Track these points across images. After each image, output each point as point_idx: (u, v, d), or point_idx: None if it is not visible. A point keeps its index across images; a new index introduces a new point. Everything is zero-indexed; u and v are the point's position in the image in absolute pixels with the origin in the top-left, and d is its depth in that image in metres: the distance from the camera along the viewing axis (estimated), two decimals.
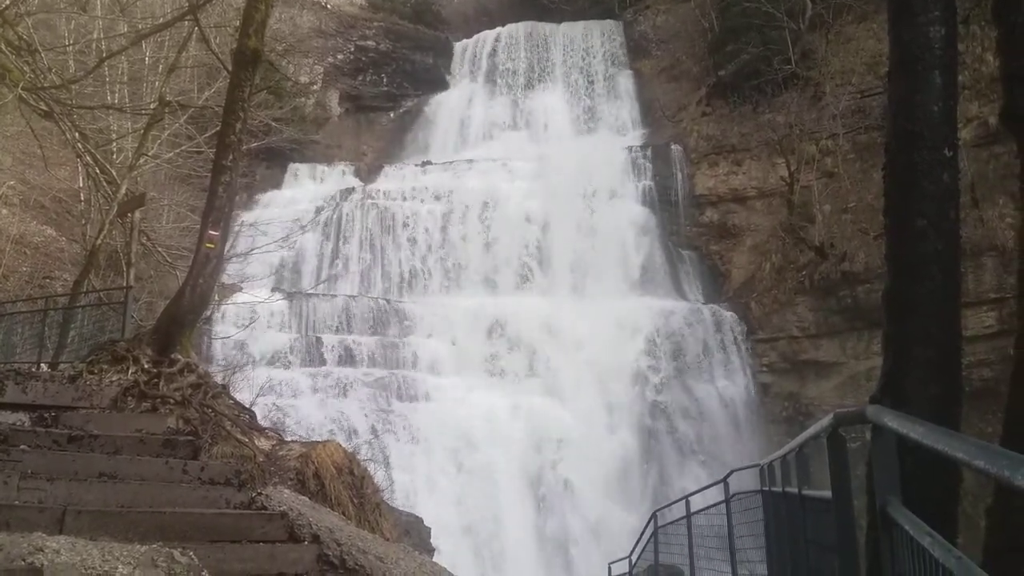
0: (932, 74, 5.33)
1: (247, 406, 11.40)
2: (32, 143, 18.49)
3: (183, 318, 10.90)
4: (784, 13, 34.75)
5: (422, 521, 21.18)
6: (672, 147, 37.56)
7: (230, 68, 12.14)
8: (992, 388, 19.75)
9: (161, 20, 16.89)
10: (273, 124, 26.22)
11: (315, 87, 44.36)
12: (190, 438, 8.90)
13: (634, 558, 15.06)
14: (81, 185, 22.18)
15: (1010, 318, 22.07)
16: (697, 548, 11.50)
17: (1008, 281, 23.57)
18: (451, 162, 39.47)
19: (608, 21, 47.62)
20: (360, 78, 47.07)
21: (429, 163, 39.88)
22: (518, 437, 27.61)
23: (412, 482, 25.28)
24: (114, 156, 20.43)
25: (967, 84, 24.54)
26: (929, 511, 3.97)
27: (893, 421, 3.51)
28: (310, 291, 31.69)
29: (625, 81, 44.99)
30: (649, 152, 37.79)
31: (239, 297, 28.05)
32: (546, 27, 47.97)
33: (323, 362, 29.13)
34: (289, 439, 11.28)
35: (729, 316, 32.05)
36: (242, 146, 11.94)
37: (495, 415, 27.89)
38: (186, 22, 15.76)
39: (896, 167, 5.47)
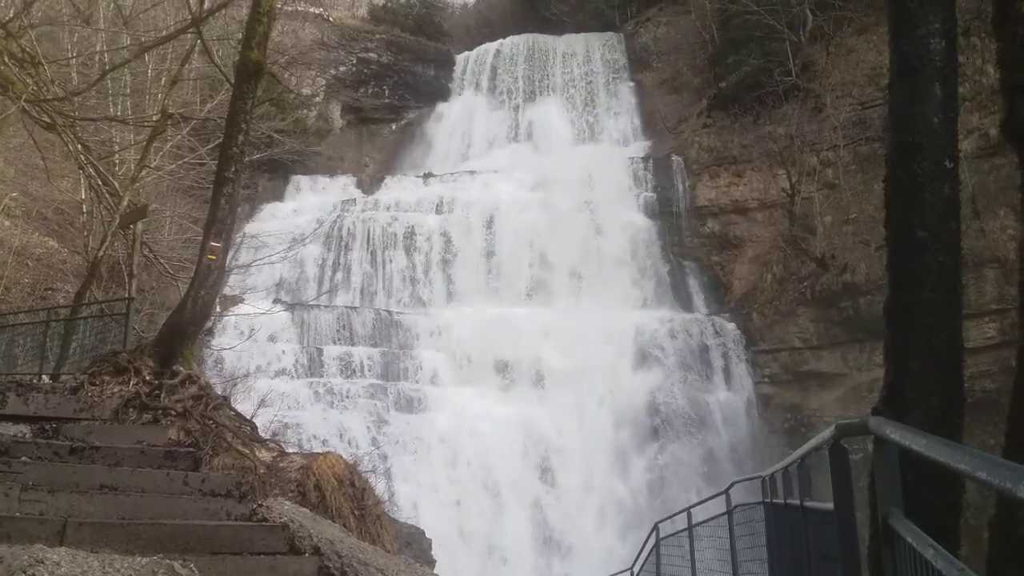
0: (932, 86, 5.34)
1: (248, 418, 11.38)
2: (35, 155, 18.56)
3: (185, 330, 10.90)
4: (785, 25, 34.86)
5: (423, 533, 21.12)
6: (673, 158, 37.63)
7: (232, 80, 12.19)
8: (994, 399, 19.70)
9: (164, 33, 16.95)
10: (275, 136, 26.28)
11: (317, 99, 44.54)
12: (191, 450, 8.89)
13: (636, 570, 15.01)
14: (83, 197, 22.23)
15: (1012, 329, 22.05)
16: (699, 560, 11.46)
17: (1009, 292, 23.55)
18: (453, 173, 39.57)
19: (609, 33, 47.82)
20: (362, 90, 47.26)
21: (431, 175, 39.98)
22: (519, 448, 27.58)
23: (413, 493, 25.23)
24: (116, 168, 20.46)
25: (968, 96, 24.59)
26: (932, 523, 3.96)
27: (895, 432, 3.51)
28: (311, 302, 31.70)
29: (626, 93, 45.14)
30: (650, 163, 37.87)
31: (241, 309, 28.07)
32: (547, 39, 48.17)
33: (324, 373, 29.11)
34: (290, 451, 11.26)
35: (730, 327, 32.04)
36: (244, 158, 11.96)
37: (496, 426, 27.85)
38: (189, 35, 15.80)
39: (897, 178, 5.47)
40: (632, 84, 45.40)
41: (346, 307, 32.24)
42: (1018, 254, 5.16)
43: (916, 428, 3.60)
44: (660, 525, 13.90)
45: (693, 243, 36.00)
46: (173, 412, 9.59)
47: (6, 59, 13.37)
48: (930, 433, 3.33)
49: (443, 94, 47.90)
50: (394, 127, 47.94)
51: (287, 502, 8.43)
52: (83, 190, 21.87)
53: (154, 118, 18.10)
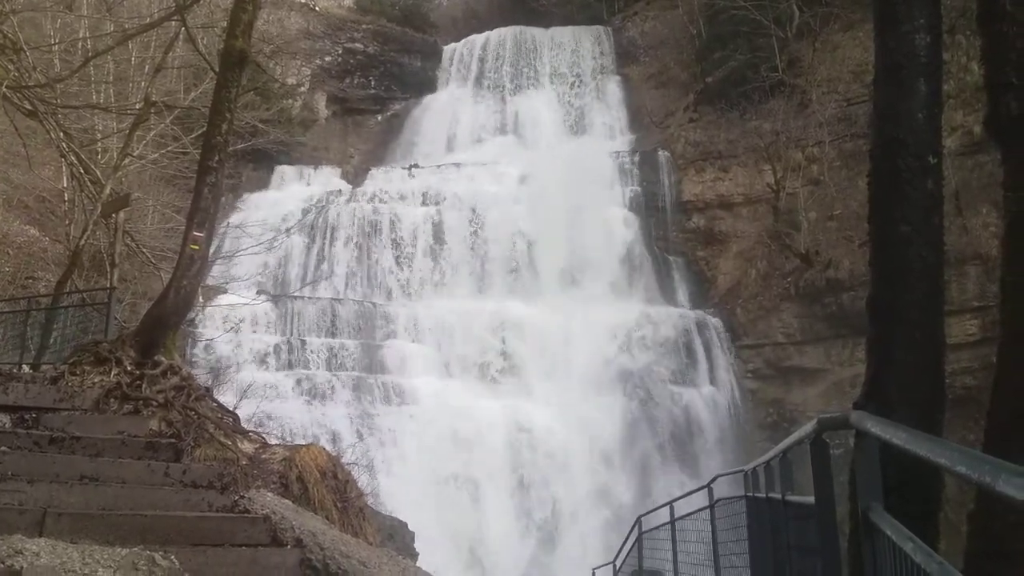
0: (917, 82, 5.36)
1: (231, 409, 11.33)
2: (16, 142, 18.35)
3: (167, 320, 10.84)
4: (771, 21, 34.95)
5: (406, 525, 21.10)
6: (659, 153, 37.68)
7: (217, 69, 12.10)
8: (975, 396, 19.90)
9: (148, 20, 16.81)
10: (260, 126, 26.12)
11: (302, 89, 44.29)
12: (172, 440, 8.85)
13: (618, 563, 15.05)
14: (65, 185, 22.01)
15: (993, 326, 22.23)
16: (681, 554, 11.50)
17: (991, 290, 23.74)
18: (438, 165, 39.46)
19: (596, 27, 47.76)
20: (348, 80, 47.03)
21: (416, 166, 39.84)
22: (503, 441, 27.59)
23: (396, 486, 25.20)
24: (99, 156, 20.28)
25: (952, 93, 24.73)
26: (911, 517, 3.98)
27: (876, 427, 3.52)
28: (295, 293, 31.57)
29: (613, 87, 45.12)
30: (636, 157, 37.89)
31: (224, 299, 27.92)
32: (535, 32, 48.06)
33: (308, 365, 29.01)
34: (273, 442, 11.22)
35: (715, 322, 32.15)
36: (228, 147, 11.89)
37: (480, 419, 27.84)
38: (173, 22, 15.69)
39: (881, 174, 5.49)
40: (619, 78, 45.38)
41: (330, 298, 32.14)
42: (1000, 251, 5.19)
43: (897, 423, 3.61)
44: (642, 519, 13.95)
45: (678, 238, 36.08)
46: (155, 403, 9.53)
47: None
48: (911, 428, 3.34)
49: (429, 86, 47.73)
50: (380, 118, 47.74)
51: (269, 494, 8.40)
52: (65, 178, 21.66)
53: (137, 106, 17.99)
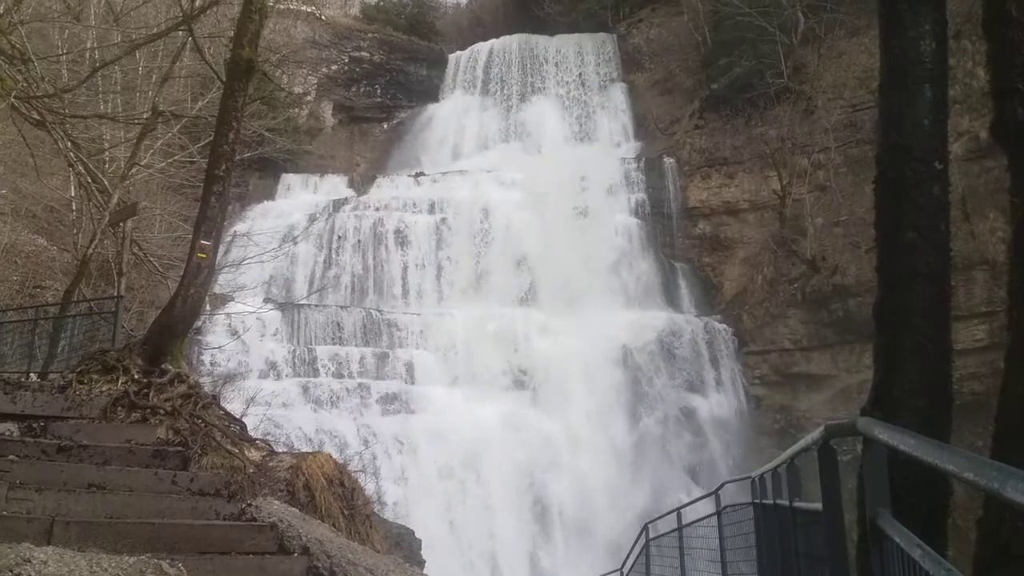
0: (923, 87, 5.34)
1: (238, 417, 11.35)
2: (24, 152, 18.42)
3: (174, 328, 10.86)
4: (776, 27, 34.95)
5: (413, 533, 21.11)
6: (665, 159, 37.69)
7: (224, 78, 12.14)
8: (983, 402, 19.75)
9: (155, 30, 16.88)
10: (266, 134, 26.16)
11: (309, 98, 44.41)
12: (180, 449, 8.86)
13: (625, 570, 15.02)
14: (73, 194, 22.10)
15: (1001, 332, 22.09)
16: (688, 561, 11.47)
17: (999, 295, 23.64)
18: (444, 173, 39.54)
19: (601, 34, 47.82)
20: (354, 89, 47.17)
21: (422, 174, 39.95)
22: (510, 449, 27.57)
23: (403, 494, 25.20)
24: (106, 165, 20.37)
25: (958, 99, 24.68)
26: (919, 523, 3.97)
27: (884, 433, 3.51)
28: (302, 302, 31.64)
29: (618, 94, 45.15)
30: (642, 164, 37.92)
31: (231, 307, 27.99)
32: (540, 39, 48.15)
33: (315, 373, 29.05)
34: (280, 450, 11.23)
35: (721, 328, 32.11)
36: (235, 156, 11.91)
37: (487, 427, 27.84)
38: (180, 32, 15.75)
39: (887, 180, 5.47)
40: (624, 85, 45.41)
41: (337, 306, 32.19)
42: (1007, 256, 5.16)
43: (905, 429, 3.60)
44: (649, 526, 13.92)
45: (684, 244, 36.06)
46: (162, 411, 9.54)
47: None
48: (918, 434, 3.33)
49: (435, 94, 47.85)
50: (386, 126, 47.87)
51: (276, 502, 8.40)
52: (72, 187, 21.75)
53: (144, 116, 18.03)
